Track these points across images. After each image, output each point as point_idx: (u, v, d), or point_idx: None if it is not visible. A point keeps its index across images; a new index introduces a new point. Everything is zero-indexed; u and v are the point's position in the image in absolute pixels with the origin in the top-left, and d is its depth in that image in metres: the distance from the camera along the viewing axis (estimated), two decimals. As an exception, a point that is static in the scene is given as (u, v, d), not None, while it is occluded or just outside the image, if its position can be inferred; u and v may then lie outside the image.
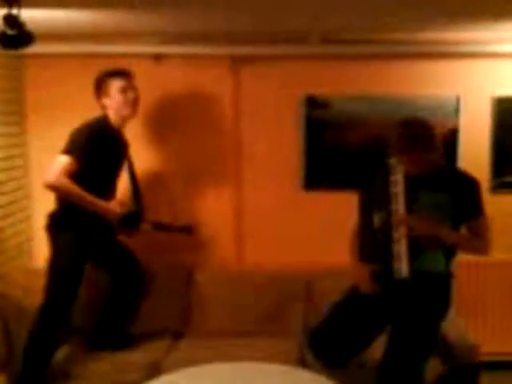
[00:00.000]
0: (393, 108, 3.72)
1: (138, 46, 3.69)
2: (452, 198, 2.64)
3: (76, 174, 3.02)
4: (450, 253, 2.73)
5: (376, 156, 3.63)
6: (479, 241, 2.67)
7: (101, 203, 3.11)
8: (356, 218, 2.95)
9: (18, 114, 3.75)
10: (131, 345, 3.28)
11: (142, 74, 3.76)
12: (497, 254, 2.72)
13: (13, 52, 3.42)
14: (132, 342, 3.30)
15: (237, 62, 3.78)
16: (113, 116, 3.26)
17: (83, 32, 3.48)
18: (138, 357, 3.10)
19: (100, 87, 3.28)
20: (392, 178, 2.63)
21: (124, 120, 3.31)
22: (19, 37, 2.82)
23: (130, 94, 3.27)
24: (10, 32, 2.80)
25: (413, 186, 2.64)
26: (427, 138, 2.62)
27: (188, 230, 3.57)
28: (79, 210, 3.07)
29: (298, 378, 2.69)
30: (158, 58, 3.77)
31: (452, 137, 3.76)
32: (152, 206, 3.64)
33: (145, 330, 3.43)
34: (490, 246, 2.69)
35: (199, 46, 3.67)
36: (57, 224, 3.17)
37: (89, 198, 3.05)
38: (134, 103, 3.30)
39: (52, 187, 3.03)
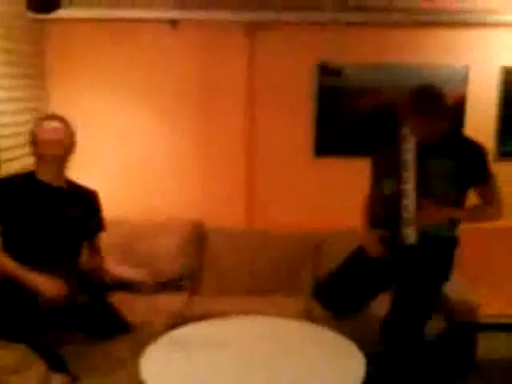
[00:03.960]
0: (403, 76, 3.80)
1: (154, 11, 3.76)
2: (458, 164, 2.74)
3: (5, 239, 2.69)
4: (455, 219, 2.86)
5: (386, 123, 3.78)
6: (489, 209, 2.79)
7: (28, 279, 2.55)
8: (368, 185, 3.04)
9: (40, 77, 3.85)
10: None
11: (158, 39, 3.87)
12: (501, 221, 2.85)
13: (36, 16, 3.54)
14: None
15: (252, 28, 3.85)
16: (41, 164, 2.79)
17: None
18: (157, 310, 3.27)
19: (31, 136, 2.80)
20: (404, 146, 2.72)
21: (49, 168, 2.78)
22: (48, 2, 2.94)
23: (59, 143, 2.76)
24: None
25: (422, 153, 2.73)
26: (440, 105, 2.73)
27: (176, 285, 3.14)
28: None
29: (307, 331, 2.87)
30: (173, 23, 3.83)
31: (460, 105, 3.86)
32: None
33: (159, 289, 3.52)
34: (501, 210, 2.80)
35: (215, 12, 3.74)
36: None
37: (13, 271, 2.58)
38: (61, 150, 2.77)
39: None
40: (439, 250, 2.85)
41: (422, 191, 2.72)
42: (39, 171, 2.79)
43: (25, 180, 2.78)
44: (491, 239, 3.92)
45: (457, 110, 3.84)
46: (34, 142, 2.78)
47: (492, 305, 3.82)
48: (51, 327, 2.60)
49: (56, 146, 2.76)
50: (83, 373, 2.54)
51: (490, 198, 2.80)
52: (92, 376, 2.55)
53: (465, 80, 3.85)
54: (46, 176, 2.79)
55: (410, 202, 2.70)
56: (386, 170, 2.85)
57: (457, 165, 2.75)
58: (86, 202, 2.94)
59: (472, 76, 3.86)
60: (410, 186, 2.71)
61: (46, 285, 2.56)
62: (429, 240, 2.78)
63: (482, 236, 3.82)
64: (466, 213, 2.84)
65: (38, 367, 2.40)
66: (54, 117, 2.86)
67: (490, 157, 3.81)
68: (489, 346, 3.50)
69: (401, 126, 2.79)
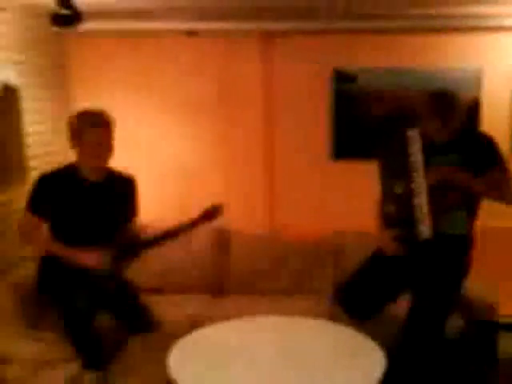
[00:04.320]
0: (417, 80, 3.88)
1: (172, 22, 3.86)
2: (464, 156, 2.80)
3: (49, 224, 2.90)
4: (471, 215, 2.91)
5: (400, 126, 3.84)
6: (502, 184, 2.79)
7: (74, 256, 2.83)
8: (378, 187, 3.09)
9: (63, 87, 4.00)
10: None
11: (177, 48, 4.00)
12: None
13: (59, 30, 3.65)
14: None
15: (269, 37, 3.96)
16: (83, 163, 2.92)
17: (120, 9, 3.68)
18: (182, 311, 3.39)
19: (74, 133, 2.89)
20: (411, 148, 2.78)
21: (89, 167, 2.93)
22: (71, 16, 3.06)
23: (104, 147, 2.90)
24: (62, 12, 3.05)
25: (428, 152, 2.79)
26: (455, 109, 2.83)
27: (210, 214, 3.06)
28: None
29: (330, 330, 2.93)
30: (190, 33, 3.95)
31: (474, 107, 3.92)
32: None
33: (184, 290, 3.71)
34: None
35: (232, 22, 3.84)
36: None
37: (60, 251, 2.85)
38: (106, 154, 2.93)
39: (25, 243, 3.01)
40: (456, 248, 2.90)
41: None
42: (80, 167, 2.91)
43: (66, 176, 2.91)
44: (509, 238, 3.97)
45: (471, 111, 3.90)
46: (78, 140, 2.86)
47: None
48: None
49: (99, 156, 2.89)
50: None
51: (503, 183, 2.81)
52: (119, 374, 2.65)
53: (478, 82, 3.91)
54: (86, 172, 2.92)
55: (421, 200, 2.76)
56: (396, 171, 2.91)
57: (462, 156, 2.81)
58: (122, 191, 3.07)
59: (486, 78, 3.92)
60: (420, 186, 2.76)
61: (89, 257, 2.83)
62: (445, 238, 2.84)
63: (500, 235, 3.88)
64: (476, 179, 2.79)
65: (72, 363, 2.50)
66: (100, 121, 2.87)
67: (505, 157, 3.88)
68: (509, 346, 3.53)
69: (408, 128, 2.84)
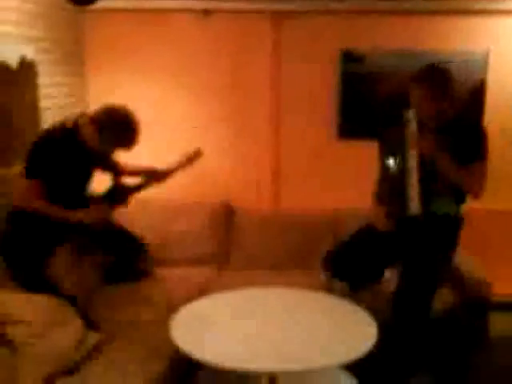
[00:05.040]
0: (424, 62, 3.85)
1: (188, 1, 3.98)
2: (454, 140, 2.84)
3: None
4: (460, 198, 2.98)
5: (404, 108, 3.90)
6: (471, 177, 2.85)
7: (74, 217, 2.91)
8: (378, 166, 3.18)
9: (79, 64, 4.12)
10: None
11: (191, 27, 4.09)
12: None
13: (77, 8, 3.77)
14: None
15: (278, 17, 4.03)
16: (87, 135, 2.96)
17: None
18: (189, 281, 3.53)
19: (105, 133, 2.94)
20: (407, 129, 2.86)
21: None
22: (87, -5, 3.17)
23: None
24: (80, -10, 3.16)
25: (422, 132, 2.85)
26: (444, 81, 2.85)
27: (191, 158, 3.37)
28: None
29: (326, 301, 3.05)
30: (206, 12, 4.05)
31: (480, 90, 3.98)
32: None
33: (191, 263, 3.85)
34: (480, 189, 2.86)
35: (243, 2, 3.95)
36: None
37: (61, 214, 2.88)
38: None
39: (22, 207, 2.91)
40: (445, 227, 2.97)
41: (422, 168, 2.84)
42: (86, 137, 2.94)
43: (66, 140, 2.91)
44: (504, 220, 4.05)
45: (477, 94, 3.97)
46: (109, 143, 2.98)
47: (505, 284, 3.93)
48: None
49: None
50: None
51: (474, 176, 2.87)
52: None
53: (485, 65, 3.95)
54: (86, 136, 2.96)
55: (413, 179, 2.85)
56: (392, 151, 3.01)
57: (453, 140, 2.84)
58: None
59: (492, 61, 3.96)
60: (413, 166, 2.84)
61: (90, 215, 2.95)
62: (436, 218, 2.93)
63: (494, 217, 3.96)
64: (449, 164, 2.83)
65: (76, 323, 2.62)
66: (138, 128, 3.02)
67: (508, 138, 3.94)
68: (501, 325, 3.62)
69: (404, 109, 2.90)
